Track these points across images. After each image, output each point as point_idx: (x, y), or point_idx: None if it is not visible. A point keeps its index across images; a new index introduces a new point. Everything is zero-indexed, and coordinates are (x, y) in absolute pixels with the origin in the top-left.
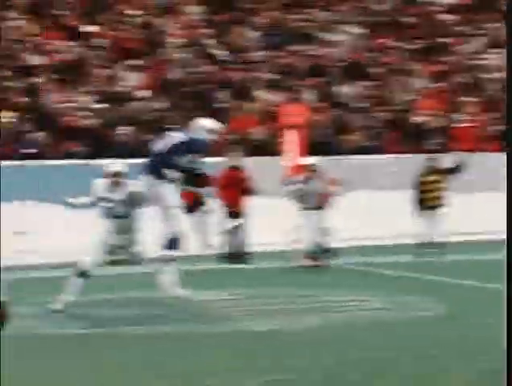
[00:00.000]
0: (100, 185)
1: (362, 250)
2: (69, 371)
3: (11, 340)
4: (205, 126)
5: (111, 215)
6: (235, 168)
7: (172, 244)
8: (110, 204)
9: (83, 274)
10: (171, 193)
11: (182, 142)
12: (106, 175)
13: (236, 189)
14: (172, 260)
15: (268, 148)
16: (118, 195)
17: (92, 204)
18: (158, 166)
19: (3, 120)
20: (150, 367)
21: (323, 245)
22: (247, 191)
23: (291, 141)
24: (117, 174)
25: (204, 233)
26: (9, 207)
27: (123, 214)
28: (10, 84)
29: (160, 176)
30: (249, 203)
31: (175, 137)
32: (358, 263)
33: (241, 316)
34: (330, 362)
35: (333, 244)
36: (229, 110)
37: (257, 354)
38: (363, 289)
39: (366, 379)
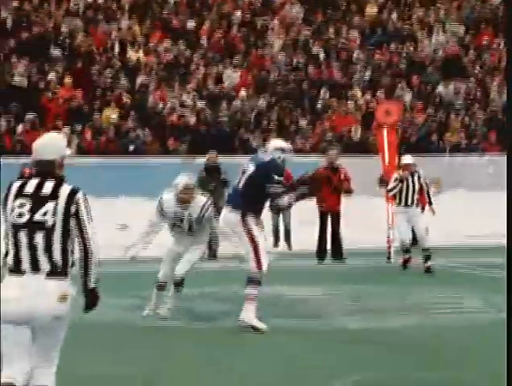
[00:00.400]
0: (166, 201)
1: (458, 250)
2: (174, 360)
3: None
4: (280, 146)
5: (177, 230)
6: (332, 167)
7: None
8: (177, 220)
9: (160, 287)
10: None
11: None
12: (175, 189)
13: (332, 188)
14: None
15: (365, 147)
16: (186, 212)
17: (156, 229)
18: (237, 198)
19: (108, 117)
20: (241, 361)
21: (421, 244)
22: (344, 191)
23: (388, 139)
24: (187, 188)
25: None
26: (115, 202)
27: (189, 230)
28: (116, 82)
29: (238, 207)
30: (346, 203)
31: (257, 163)
32: (455, 263)
33: (335, 313)
34: (424, 362)
35: (430, 244)
36: (328, 108)
37: (350, 352)
38: (459, 290)
39: (459, 381)
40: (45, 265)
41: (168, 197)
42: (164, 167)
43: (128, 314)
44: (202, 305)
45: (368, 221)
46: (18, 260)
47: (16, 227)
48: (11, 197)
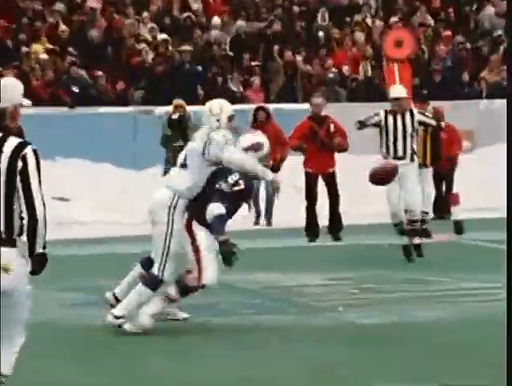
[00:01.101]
0: None
1: (488, 223)
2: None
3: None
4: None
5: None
6: (317, 118)
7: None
8: None
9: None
10: None
11: None
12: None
13: (319, 144)
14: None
15: (373, 91)
16: None
17: None
18: None
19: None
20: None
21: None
22: (335, 147)
23: (401, 79)
24: None
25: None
26: (51, 168)
27: None
28: (49, 8)
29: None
30: (339, 163)
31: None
32: (487, 239)
33: (339, 306)
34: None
35: (456, 216)
36: (328, 40)
37: (362, 351)
38: (492, 272)
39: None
40: None
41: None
42: (114, 120)
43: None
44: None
45: (373, 188)
46: None
47: None
48: None
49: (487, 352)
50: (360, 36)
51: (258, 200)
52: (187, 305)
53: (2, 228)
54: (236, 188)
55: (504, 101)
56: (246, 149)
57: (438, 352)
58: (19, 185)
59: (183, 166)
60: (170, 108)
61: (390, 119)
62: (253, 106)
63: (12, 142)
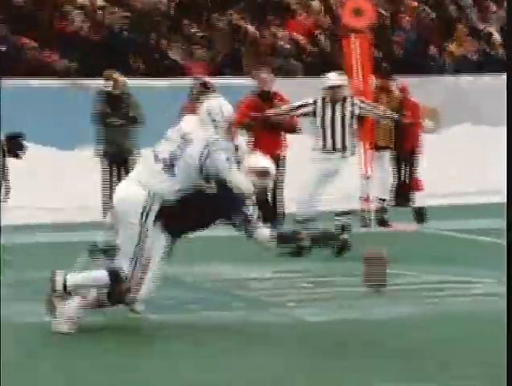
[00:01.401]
0: None
1: (459, 210)
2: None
3: None
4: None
5: None
6: (264, 95)
7: None
8: None
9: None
10: None
11: None
12: None
13: (267, 125)
14: None
15: (331, 63)
16: None
17: None
18: None
19: None
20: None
21: (410, 203)
22: (285, 127)
23: (360, 51)
24: None
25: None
26: None
27: None
28: None
29: None
30: (295, 146)
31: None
32: (453, 229)
33: (289, 302)
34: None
35: (420, 202)
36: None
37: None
38: (459, 265)
39: None
40: None
41: None
42: (45, 94)
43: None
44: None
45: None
46: None
47: None
48: None
49: (467, 349)
50: (316, 4)
51: None
52: None
53: None
54: None
55: (472, 78)
56: (251, 172)
57: (410, 351)
58: None
59: (168, 165)
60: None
61: (329, 108)
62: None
63: None
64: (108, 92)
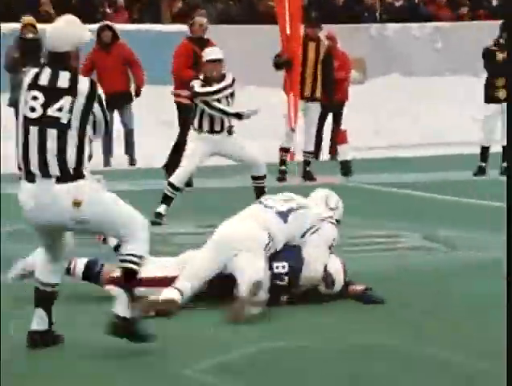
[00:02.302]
0: None
1: (386, 163)
2: None
3: None
4: None
5: None
6: (199, 40)
7: None
8: None
9: None
10: None
11: None
12: None
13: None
14: None
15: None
16: None
17: None
18: None
19: None
20: None
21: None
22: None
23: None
24: None
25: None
26: None
27: None
28: None
29: None
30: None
31: None
32: (376, 182)
33: None
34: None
35: (345, 155)
36: None
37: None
38: (389, 219)
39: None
40: (55, 169)
41: None
42: None
43: None
44: None
45: (261, 123)
46: (27, 163)
47: (27, 123)
48: (25, 86)
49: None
50: None
51: (112, 136)
52: None
53: (74, 165)
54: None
55: (399, 26)
56: None
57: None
58: (96, 123)
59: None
60: (17, 25)
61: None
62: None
63: (84, 82)
64: (22, 37)
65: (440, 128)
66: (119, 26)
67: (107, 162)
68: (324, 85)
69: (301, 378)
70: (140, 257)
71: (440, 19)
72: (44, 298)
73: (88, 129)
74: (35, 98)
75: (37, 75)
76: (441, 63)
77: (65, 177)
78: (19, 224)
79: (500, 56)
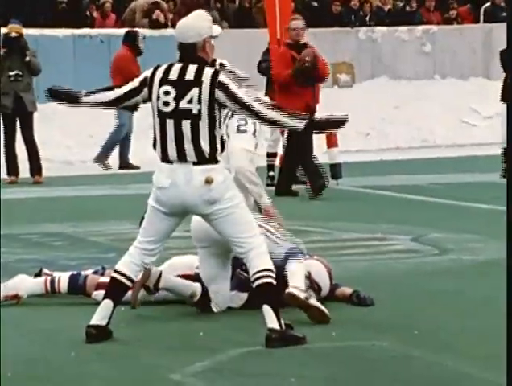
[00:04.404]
0: None
1: (374, 167)
2: None
3: None
4: None
5: None
6: (297, 45)
7: None
8: None
9: None
10: None
11: None
12: None
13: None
14: None
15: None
16: None
17: None
18: None
19: None
20: None
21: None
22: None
23: (281, 3)
24: None
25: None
26: None
27: None
28: None
29: None
30: None
31: None
32: (363, 185)
33: None
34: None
35: (334, 158)
36: None
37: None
38: (378, 222)
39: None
40: (192, 155)
41: None
42: None
43: None
44: None
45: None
46: (165, 149)
47: (162, 116)
48: (156, 82)
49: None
50: None
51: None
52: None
53: (208, 150)
54: None
55: (387, 29)
56: None
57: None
58: (232, 105)
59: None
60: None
61: None
62: (105, 31)
63: (207, 72)
64: (6, 35)
65: (429, 131)
66: (107, 31)
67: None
68: None
69: (290, 380)
70: (273, 271)
71: (429, 23)
72: (118, 291)
73: (217, 116)
74: (166, 93)
75: (167, 71)
76: (430, 67)
77: (201, 161)
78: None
79: None
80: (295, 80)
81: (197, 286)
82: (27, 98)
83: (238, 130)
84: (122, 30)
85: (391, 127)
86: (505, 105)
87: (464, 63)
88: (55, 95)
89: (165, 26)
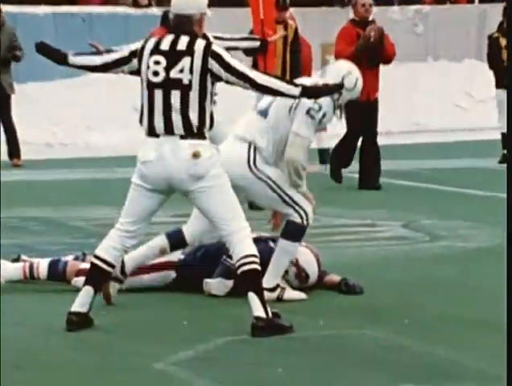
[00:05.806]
0: None
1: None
2: None
3: None
4: None
5: None
6: (364, 23)
7: None
8: None
9: None
10: None
11: None
12: None
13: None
14: None
15: None
16: None
17: None
18: None
19: None
20: None
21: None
22: (384, 59)
23: None
24: None
25: None
26: None
27: None
28: None
29: None
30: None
31: None
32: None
33: None
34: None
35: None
36: None
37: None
38: (367, 208)
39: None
40: (179, 127)
41: None
42: None
43: None
44: None
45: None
46: (152, 121)
47: (151, 87)
48: (146, 53)
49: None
50: None
51: None
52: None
53: (197, 123)
54: None
55: (378, 8)
56: None
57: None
58: (226, 74)
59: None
60: None
61: None
62: (87, 9)
63: (200, 43)
64: None
65: (421, 115)
66: (92, 9)
67: None
68: (292, 70)
69: (277, 370)
70: (257, 256)
71: (422, 2)
72: (98, 277)
73: (209, 88)
74: (157, 63)
75: (158, 42)
76: (422, 48)
77: (188, 134)
78: None
79: (503, 42)
80: (356, 59)
81: (162, 239)
82: (6, 80)
83: (307, 113)
84: (104, 9)
85: (381, 110)
86: (500, 90)
87: (457, 45)
88: (44, 50)
89: (148, 5)
